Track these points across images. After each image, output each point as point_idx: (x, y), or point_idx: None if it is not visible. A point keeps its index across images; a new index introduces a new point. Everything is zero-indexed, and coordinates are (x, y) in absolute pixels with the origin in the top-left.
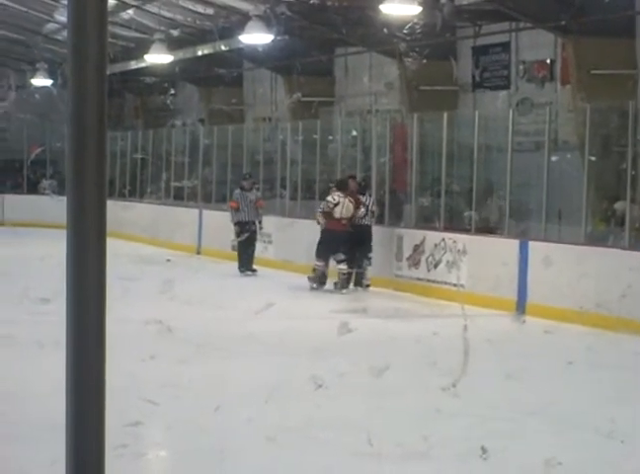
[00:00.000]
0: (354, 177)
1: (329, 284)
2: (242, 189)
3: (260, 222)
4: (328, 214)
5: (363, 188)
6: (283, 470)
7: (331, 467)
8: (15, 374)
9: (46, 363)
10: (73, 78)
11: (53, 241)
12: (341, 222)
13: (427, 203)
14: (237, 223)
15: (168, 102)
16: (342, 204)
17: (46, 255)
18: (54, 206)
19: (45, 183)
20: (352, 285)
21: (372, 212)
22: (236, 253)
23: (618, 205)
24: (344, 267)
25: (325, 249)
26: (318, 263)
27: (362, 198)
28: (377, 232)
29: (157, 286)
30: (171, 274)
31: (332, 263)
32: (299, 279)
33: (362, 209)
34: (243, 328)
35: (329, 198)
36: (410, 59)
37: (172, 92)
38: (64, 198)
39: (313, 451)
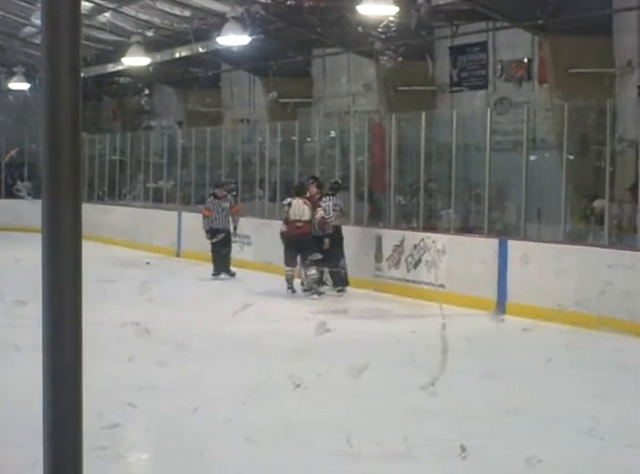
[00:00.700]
0: (316, 178)
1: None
2: (215, 196)
3: (235, 229)
4: (285, 219)
5: (336, 189)
6: (263, 471)
7: (311, 467)
8: None
9: (24, 367)
10: (47, 80)
11: (30, 244)
12: (295, 225)
13: (405, 203)
14: (209, 230)
15: (145, 104)
16: (294, 206)
17: (22, 258)
18: (31, 210)
19: (21, 185)
20: (327, 286)
21: (341, 214)
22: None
23: (597, 204)
24: (313, 272)
25: (287, 254)
26: (286, 268)
27: (328, 200)
28: (357, 233)
29: (135, 289)
30: (149, 276)
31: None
32: (278, 281)
33: (321, 212)
34: (221, 329)
35: (284, 202)
36: (387, 59)
37: (149, 94)
38: (39, 201)
39: (293, 452)
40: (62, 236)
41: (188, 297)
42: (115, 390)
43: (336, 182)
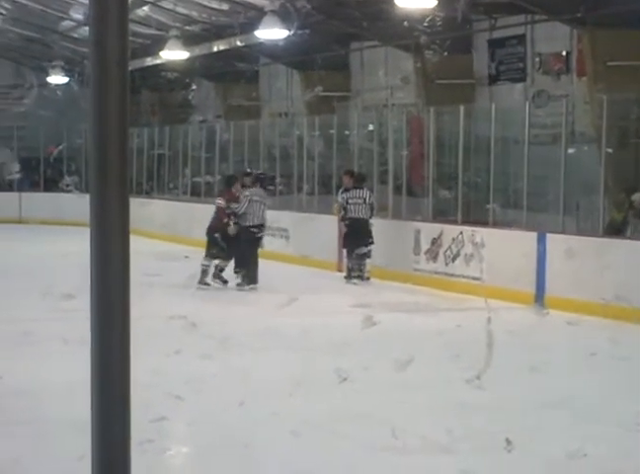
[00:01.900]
0: (248, 174)
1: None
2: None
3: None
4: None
5: (360, 181)
6: (309, 464)
7: (355, 460)
8: (40, 371)
9: (71, 360)
10: (95, 73)
11: (74, 238)
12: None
13: (444, 196)
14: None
15: (185, 98)
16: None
17: (69, 252)
18: (73, 204)
19: (68, 179)
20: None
21: (371, 206)
22: None
23: (636, 197)
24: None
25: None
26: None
27: (360, 193)
28: (394, 226)
29: (178, 282)
30: (193, 269)
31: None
32: (317, 274)
33: (235, 205)
34: (266, 323)
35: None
36: (427, 53)
37: (188, 88)
38: (87, 196)
39: (338, 445)
40: (111, 230)
41: (230, 291)
42: (161, 383)
43: (358, 173)
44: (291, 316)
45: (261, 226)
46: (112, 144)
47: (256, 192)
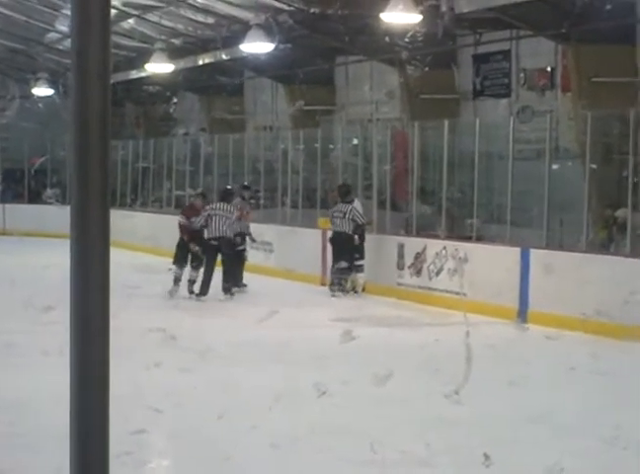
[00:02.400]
0: (204, 195)
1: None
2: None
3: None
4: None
5: (342, 195)
6: None
7: (335, 473)
8: (20, 383)
9: (51, 372)
10: (77, 85)
11: (56, 250)
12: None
13: (427, 212)
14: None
15: (169, 111)
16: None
17: (50, 264)
18: (56, 216)
19: (50, 192)
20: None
21: (352, 221)
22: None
23: (620, 213)
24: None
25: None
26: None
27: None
28: (378, 240)
29: (159, 295)
30: (172, 283)
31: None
32: (300, 288)
33: (194, 218)
34: (246, 336)
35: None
36: (411, 68)
37: (173, 101)
38: (68, 207)
39: (318, 458)
40: (90, 242)
41: (212, 304)
42: (140, 396)
43: (343, 185)
44: (272, 329)
45: (220, 238)
46: (93, 156)
47: (219, 207)
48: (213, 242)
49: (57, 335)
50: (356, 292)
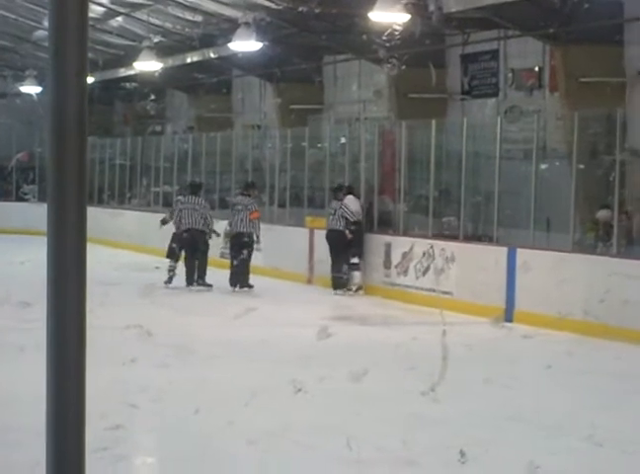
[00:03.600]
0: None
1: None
2: None
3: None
4: None
5: (335, 192)
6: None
7: (311, 471)
8: None
9: (27, 367)
10: (54, 83)
11: (36, 247)
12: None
13: (415, 211)
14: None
15: (157, 109)
16: None
17: (27, 260)
18: (39, 214)
19: (26, 188)
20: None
21: (342, 218)
22: (223, 259)
23: (601, 214)
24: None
25: None
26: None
27: (334, 204)
28: (366, 239)
29: (140, 292)
30: (155, 280)
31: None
32: (287, 286)
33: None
34: (225, 333)
35: None
36: (397, 67)
37: (161, 99)
38: (45, 204)
39: (294, 455)
40: (67, 238)
41: (194, 301)
42: (117, 392)
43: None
44: (251, 326)
45: (189, 230)
46: (70, 154)
47: (189, 200)
48: (185, 234)
49: (34, 330)
50: (349, 290)
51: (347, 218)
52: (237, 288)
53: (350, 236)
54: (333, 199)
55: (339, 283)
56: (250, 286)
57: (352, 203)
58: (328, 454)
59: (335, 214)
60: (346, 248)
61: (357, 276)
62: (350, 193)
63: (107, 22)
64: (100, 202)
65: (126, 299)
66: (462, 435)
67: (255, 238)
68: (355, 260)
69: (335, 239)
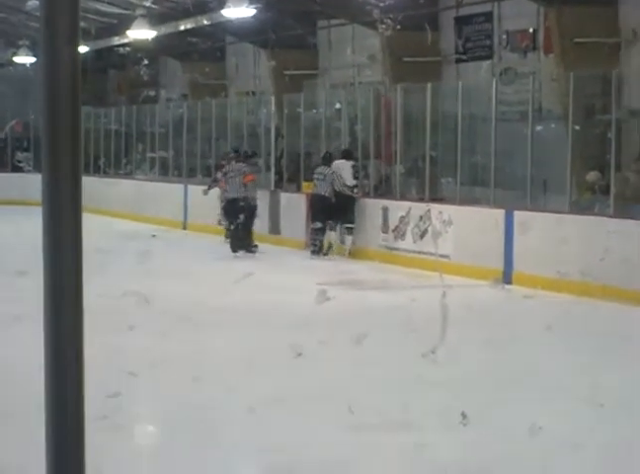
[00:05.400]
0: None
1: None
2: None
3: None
4: None
5: (325, 159)
6: (265, 440)
7: (312, 436)
8: None
9: (24, 337)
10: (45, 51)
11: (33, 217)
12: None
13: (411, 174)
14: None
15: (151, 77)
16: None
17: (24, 230)
18: (35, 184)
19: (21, 156)
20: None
21: (330, 184)
22: (221, 227)
23: (591, 176)
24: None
25: None
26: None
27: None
28: (363, 204)
29: (138, 260)
30: (153, 248)
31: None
32: (287, 252)
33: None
34: (224, 301)
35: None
36: (389, 29)
37: (154, 67)
38: (40, 174)
39: (294, 421)
40: (62, 207)
41: (191, 269)
42: (115, 360)
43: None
44: (250, 292)
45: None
46: (63, 123)
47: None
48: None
49: (31, 300)
50: (325, 254)
51: (333, 187)
52: (239, 253)
53: (333, 200)
54: (321, 165)
55: (312, 245)
56: (254, 248)
57: (346, 169)
58: (329, 419)
59: (324, 180)
60: (327, 211)
61: (349, 239)
62: (345, 157)
63: None
64: (96, 172)
65: (124, 267)
66: (463, 398)
67: (251, 201)
68: (350, 224)
69: (318, 203)
